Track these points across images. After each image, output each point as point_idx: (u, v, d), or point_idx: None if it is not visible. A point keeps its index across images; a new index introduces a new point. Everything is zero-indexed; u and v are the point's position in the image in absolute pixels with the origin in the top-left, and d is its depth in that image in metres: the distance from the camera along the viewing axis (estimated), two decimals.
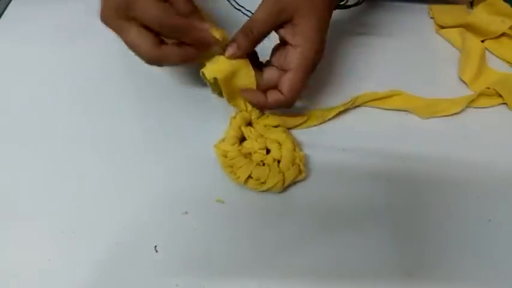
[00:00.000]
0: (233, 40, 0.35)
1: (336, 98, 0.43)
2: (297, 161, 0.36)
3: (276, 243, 0.34)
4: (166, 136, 0.39)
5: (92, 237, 0.33)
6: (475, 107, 0.44)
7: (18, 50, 0.46)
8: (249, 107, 0.39)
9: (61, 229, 0.34)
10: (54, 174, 0.37)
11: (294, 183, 0.37)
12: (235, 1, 0.48)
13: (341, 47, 0.48)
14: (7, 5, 0.50)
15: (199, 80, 0.43)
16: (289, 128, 0.40)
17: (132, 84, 0.43)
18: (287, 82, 0.35)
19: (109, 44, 0.47)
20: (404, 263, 0.33)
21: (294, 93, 0.35)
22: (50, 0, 0.51)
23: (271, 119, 0.39)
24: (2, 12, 0.49)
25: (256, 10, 0.35)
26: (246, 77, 0.36)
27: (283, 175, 0.35)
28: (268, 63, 0.38)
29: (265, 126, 0.38)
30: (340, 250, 0.34)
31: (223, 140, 0.38)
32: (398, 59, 0.48)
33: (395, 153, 0.40)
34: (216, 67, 0.35)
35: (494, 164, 0.39)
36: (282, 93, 0.35)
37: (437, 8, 0.53)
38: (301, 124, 0.41)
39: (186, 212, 0.35)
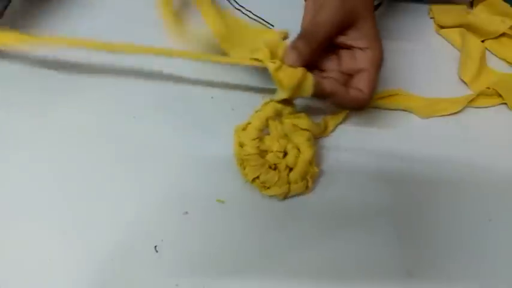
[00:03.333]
0: (293, 47, 0.33)
1: None
2: (308, 176, 0.35)
3: (276, 243, 0.34)
4: (166, 136, 0.39)
5: (92, 237, 0.33)
6: (475, 107, 0.44)
7: (18, 50, 0.46)
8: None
9: (61, 229, 0.34)
10: (54, 174, 0.37)
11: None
12: (235, 1, 0.48)
13: None
14: (7, 4, 0.50)
15: (200, 79, 0.43)
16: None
17: (132, 84, 0.43)
18: (364, 81, 0.34)
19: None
20: (405, 263, 0.33)
21: (372, 91, 0.34)
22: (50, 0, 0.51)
23: (303, 121, 0.36)
24: (3, 12, 0.49)
25: (319, 13, 0.33)
26: (306, 84, 0.33)
27: (289, 187, 0.35)
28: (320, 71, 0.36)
29: (293, 125, 0.36)
30: (340, 250, 0.34)
31: (246, 127, 0.35)
32: (398, 59, 0.48)
33: (395, 153, 0.40)
34: (286, 77, 0.33)
35: (494, 163, 0.39)
36: (360, 90, 0.34)
37: (437, 8, 0.53)
38: (320, 133, 0.39)
39: (186, 212, 0.35)
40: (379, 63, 0.34)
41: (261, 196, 0.36)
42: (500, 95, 0.44)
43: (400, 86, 0.44)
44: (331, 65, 0.36)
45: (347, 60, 0.35)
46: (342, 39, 0.35)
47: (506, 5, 0.50)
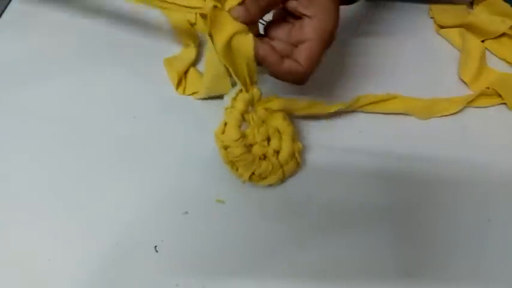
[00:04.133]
0: (241, 2, 0.30)
1: (334, 98, 0.43)
2: (296, 154, 0.36)
3: (276, 243, 0.34)
4: (166, 136, 0.39)
5: (92, 237, 0.33)
6: (474, 107, 0.44)
7: (19, 49, 0.46)
8: (250, 87, 0.34)
9: (61, 229, 0.34)
10: (54, 174, 0.37)
11: (294, 183, 0.37)
12: None
13: (340, 46, 0.48)
14: (7, 4, 0.50)
15: None
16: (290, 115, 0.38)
17: (132, 84, 0.43)
18: (304, 52, 0.31)
19: (110, 42, 0.47)
20: (404, 263, 0.33)
21: (312, 65, 0.32)
22: None
23: (273, 103, 0.36)
24: (3, 12, 0.49)
25: None
26: (244, 44, 0.31)
27: (283, 170, 0.36)
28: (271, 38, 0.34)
29: (266, 110, 0.35)
30: (340, 250, 0.34)
31: (224, 129, 0.35)
32: (398, 59, 0.48)
33: (395, 153, 0.40)
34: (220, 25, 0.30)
35: (494, 163, 0.39)
36: (297, 62, 0.32)
37: (437, 8, 0.53)
38: (303, 109, 0.39)
39: (186, 212, 0.35)
40: (324, 34, 0.31)
41: (260, 196, 0.36)
42: (499, 95, 0.44)
43: (399, 86, 0.44)
44: (281, 34, 0.33)
45: (296, 30, 0.33)
46: (294, 4, 0.32)
47: (506, 5, 0.50)
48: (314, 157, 0.39)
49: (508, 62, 0.48)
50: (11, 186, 0.36)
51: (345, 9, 0.49)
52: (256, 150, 0.35)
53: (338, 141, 0.40)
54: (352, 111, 0.43)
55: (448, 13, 0.52)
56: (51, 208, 0.35)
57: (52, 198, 0.35)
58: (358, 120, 0.42)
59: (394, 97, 0.43)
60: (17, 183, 0.36)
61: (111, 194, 0.36)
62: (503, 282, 0.33)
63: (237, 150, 0.34)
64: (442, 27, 0.51)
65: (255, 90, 0.34)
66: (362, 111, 0.43)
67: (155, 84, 0.43)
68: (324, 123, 0.41)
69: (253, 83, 0.34)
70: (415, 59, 0.48)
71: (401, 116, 0.43)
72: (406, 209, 0.36)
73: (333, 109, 0.40)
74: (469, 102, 0.43)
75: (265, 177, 0.35)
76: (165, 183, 0.36)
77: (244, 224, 0.35)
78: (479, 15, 0.50)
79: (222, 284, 0.32)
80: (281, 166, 0.36)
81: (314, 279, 0.32)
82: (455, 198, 0.37)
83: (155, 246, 0.33)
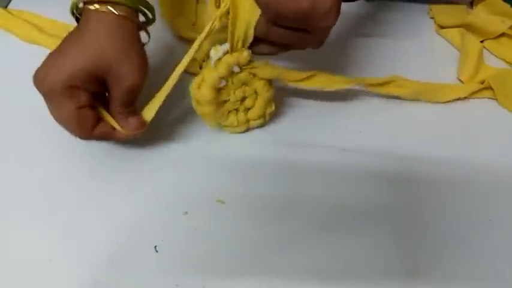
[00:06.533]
0: None
1: (333, 98, 0.43)
2: (266, 116, 0.39)
3: (276, 243, 0.34)
4: (166, 136, 0.39)
5: (92, 237, 0.33)
6: (475, 107, 0.44)
7: (20, 47, 0.46)
8: (239, 49, 0.34)
9: (61, 229, 0.34)
10: (54, 174, 0.37)
11: (295, 183, 0.37)
12: None
13: (339, 46, 0.48)
14: (9, 2, 0.50)
15: None
16: (288, 84, 0.38)
17: None
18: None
19: None
20: (405, 262, 0.33)
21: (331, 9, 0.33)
22: None
23: (260, 70, 0.35)
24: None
25: None
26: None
27: (248, 125, 0.39)
28: None
29: (251, 75, 0.35)
30: (340, 250, 0.34)
31: (199, 84, 0.35)
32: (398, 59, 0.48)
33: (395, 153, 0.40)
34: None
35: (495, 163, 0.39)
36: None
37: (437, 8, 0.53)
38: (303, 80, 0.38)
39: (186, 212, 0.35)
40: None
41: (260, 196, 0.36)
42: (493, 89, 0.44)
43: None
44: None
45: None
46: None
47: (506, 5, 0.50)
48: (314, 157, 0.39)
49: (507, 62, 0.48)
50: (11, 186, 0.36)
51: (344, 9, 0.49)
52: (228, 106, 0.37)
53: (337, 141, 0.40)
54: (352, 110, 0.43)
55: (448, 13, 0.52)
56: (51, 208, 0.35)
57: (52, 198, 0.35)
58: (358, 120, 0.42)
59: (393, 80, 0.42)
60: (17, 183, 0.36)
61: (112, 194, 0.36)
62: (504, 282, 0.33)
63: (207, 108, 0.36)
64: (442, 27, 0.51)
65: (244, 54, 0.34)
66: (362, 111, 0.43)
67: (155, 84, 0.43)
68: (323, 122, 0.41)
69: (244, 46, 0.34)
70: (415, 59, 0.48)
71: (402, 116, 0.43)
72: (406, 209, 0.36)
73: (336, 86, 0.39)
74: (460, 93, 0.44)
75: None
76: (165, 183, 0.36)
77: (244, 224, 0.35)
78: (479, 15, 0.50)
79: (222, 284, 0.32)
80: (247, 121, 0.39)
81: (314, 279, 0.32)
82: (456, 197, 0.37)
83: (155, 246, 0.33)
